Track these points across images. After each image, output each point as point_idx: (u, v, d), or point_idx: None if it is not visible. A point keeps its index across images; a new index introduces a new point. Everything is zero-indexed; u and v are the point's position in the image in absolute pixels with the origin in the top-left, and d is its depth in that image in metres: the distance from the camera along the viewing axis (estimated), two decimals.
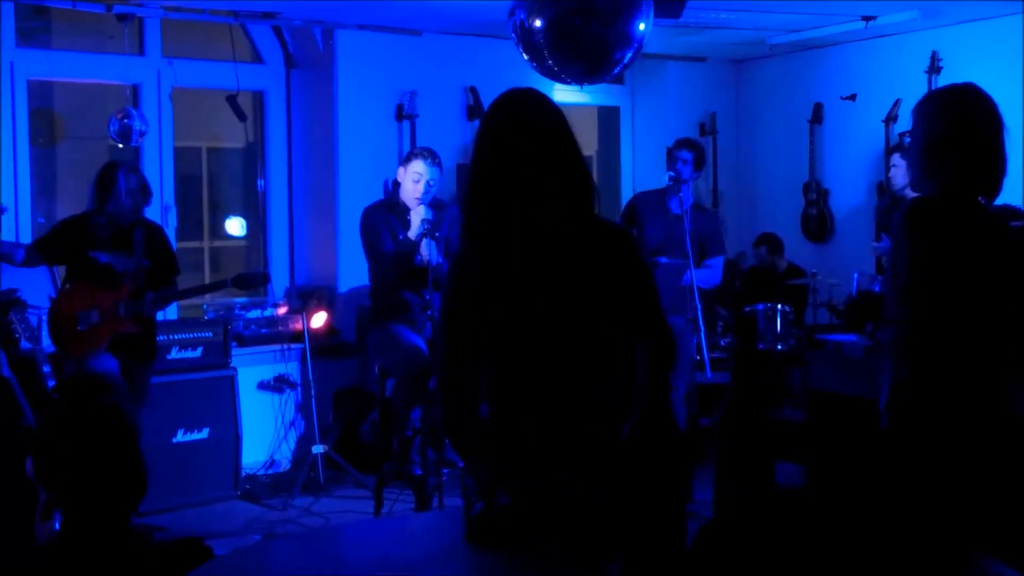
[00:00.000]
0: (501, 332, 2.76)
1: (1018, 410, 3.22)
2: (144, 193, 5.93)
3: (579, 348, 2.75)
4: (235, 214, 8.96)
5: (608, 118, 9.49)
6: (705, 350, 6.28)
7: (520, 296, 2.74)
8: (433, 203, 6.04)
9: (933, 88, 3.42)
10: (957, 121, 3.25)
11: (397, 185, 6.12)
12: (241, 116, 7.44)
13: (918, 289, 3.09)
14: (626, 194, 9.02)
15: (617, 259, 2.83)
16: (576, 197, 2.79)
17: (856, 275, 6.90)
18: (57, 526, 2.40)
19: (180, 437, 6.56)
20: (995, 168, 3.24)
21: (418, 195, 5.92)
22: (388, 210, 6.09)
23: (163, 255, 6.01)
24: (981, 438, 3.11)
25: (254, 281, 6.21)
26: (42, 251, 5.91)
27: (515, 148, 2.76)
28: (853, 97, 8.44)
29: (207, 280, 9.05)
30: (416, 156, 6.05)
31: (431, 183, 5.96)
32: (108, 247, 5.79)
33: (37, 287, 5.87)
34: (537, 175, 2.74)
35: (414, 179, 5.96)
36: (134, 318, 5.74)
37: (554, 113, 2.84)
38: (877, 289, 6.62)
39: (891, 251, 3.21)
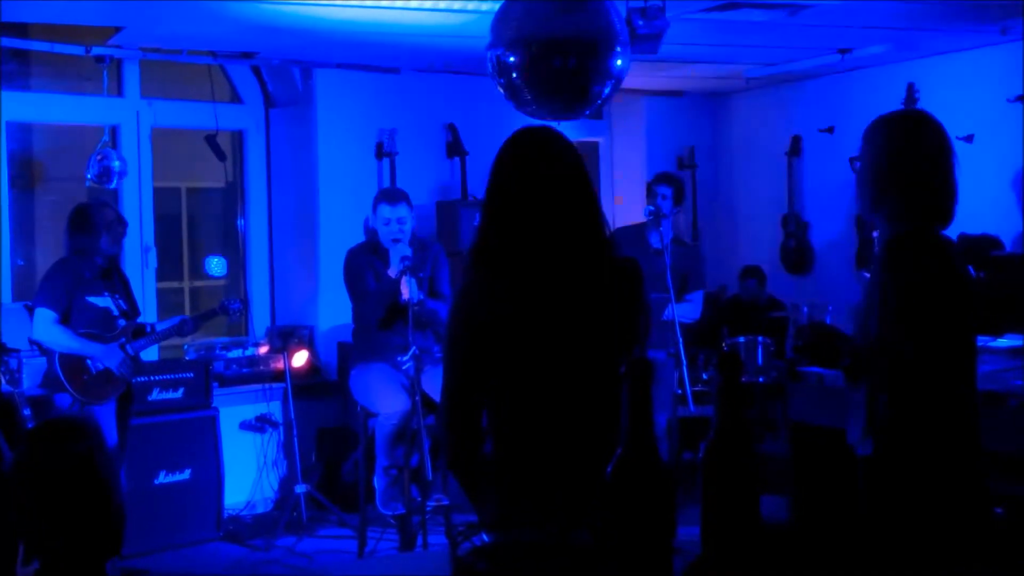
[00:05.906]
0: (505, 367, 2.75)
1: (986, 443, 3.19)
2: (120, 224, 5.91)
3: (583, 385, 2.74)
4: (215, 254, 8.93)
5: (587, 153, 9.51)
6: (688, 384, 6.28)
7: (527, 331, 2.73)
8: (416, 243, 6.04)
9: (881, 114, 3.36)
10: (904, 147, 3.21)
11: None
12: (220, 156, 7.45)
13: (910, 326, 3.05)
14: None
15: (623, 296, 2.84)
16: (587, 233, 2.80)
17: (805, 307, 6.83)
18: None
19: (162, 478, 6.52)
20: (944, 196, 3.17)
21: (394, 238, 5.93)
22: (371, 252, 6.09)
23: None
24: (963, 470, 3.10)
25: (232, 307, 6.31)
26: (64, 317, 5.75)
27: (531, 183, 2.77)
28: (831, 130, 8.48)
29: None
30: (379, 201, 6.06)
31: (402, 221, 5.96)
32: (98, 288, 5.79)
33: (17, 330, 5.83)
34: (551, 211, 2.75)
35: (384, 223, 5.98)
36: (134, 367, 5.84)
37: (568, 150, 2.85)
38: (829, 320, 6.58)
39: (874, 286, 3.16)
